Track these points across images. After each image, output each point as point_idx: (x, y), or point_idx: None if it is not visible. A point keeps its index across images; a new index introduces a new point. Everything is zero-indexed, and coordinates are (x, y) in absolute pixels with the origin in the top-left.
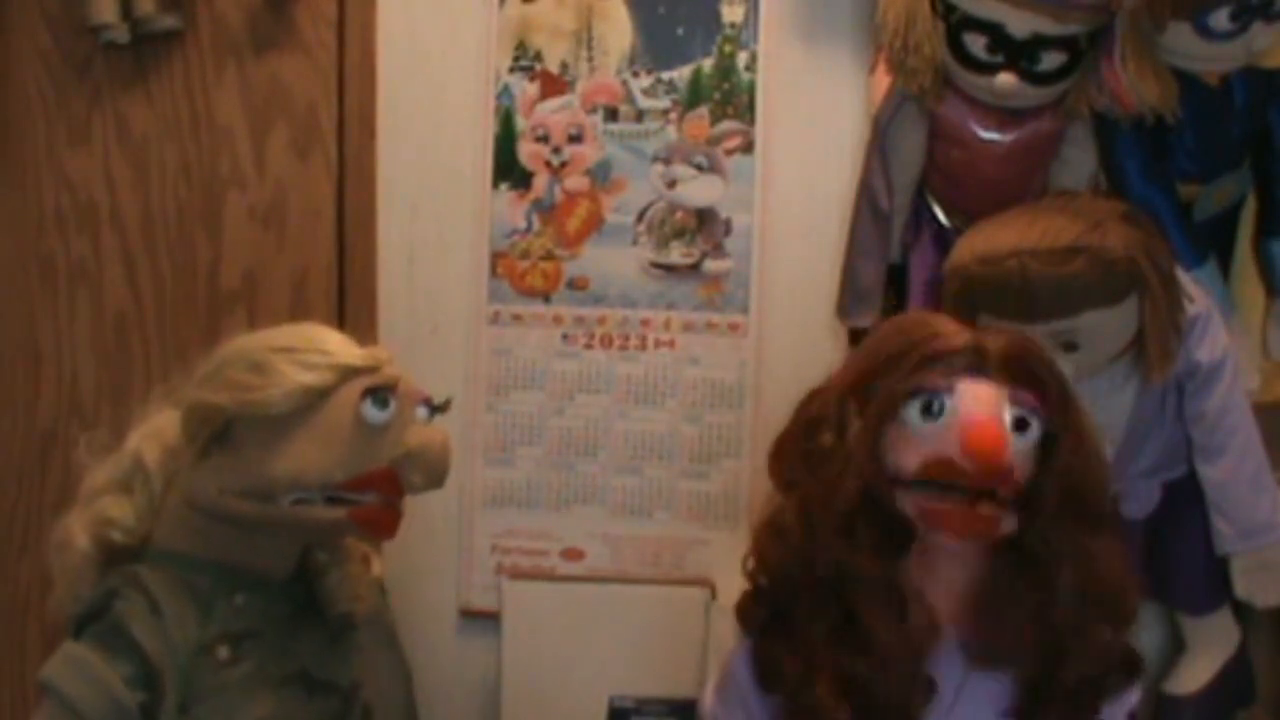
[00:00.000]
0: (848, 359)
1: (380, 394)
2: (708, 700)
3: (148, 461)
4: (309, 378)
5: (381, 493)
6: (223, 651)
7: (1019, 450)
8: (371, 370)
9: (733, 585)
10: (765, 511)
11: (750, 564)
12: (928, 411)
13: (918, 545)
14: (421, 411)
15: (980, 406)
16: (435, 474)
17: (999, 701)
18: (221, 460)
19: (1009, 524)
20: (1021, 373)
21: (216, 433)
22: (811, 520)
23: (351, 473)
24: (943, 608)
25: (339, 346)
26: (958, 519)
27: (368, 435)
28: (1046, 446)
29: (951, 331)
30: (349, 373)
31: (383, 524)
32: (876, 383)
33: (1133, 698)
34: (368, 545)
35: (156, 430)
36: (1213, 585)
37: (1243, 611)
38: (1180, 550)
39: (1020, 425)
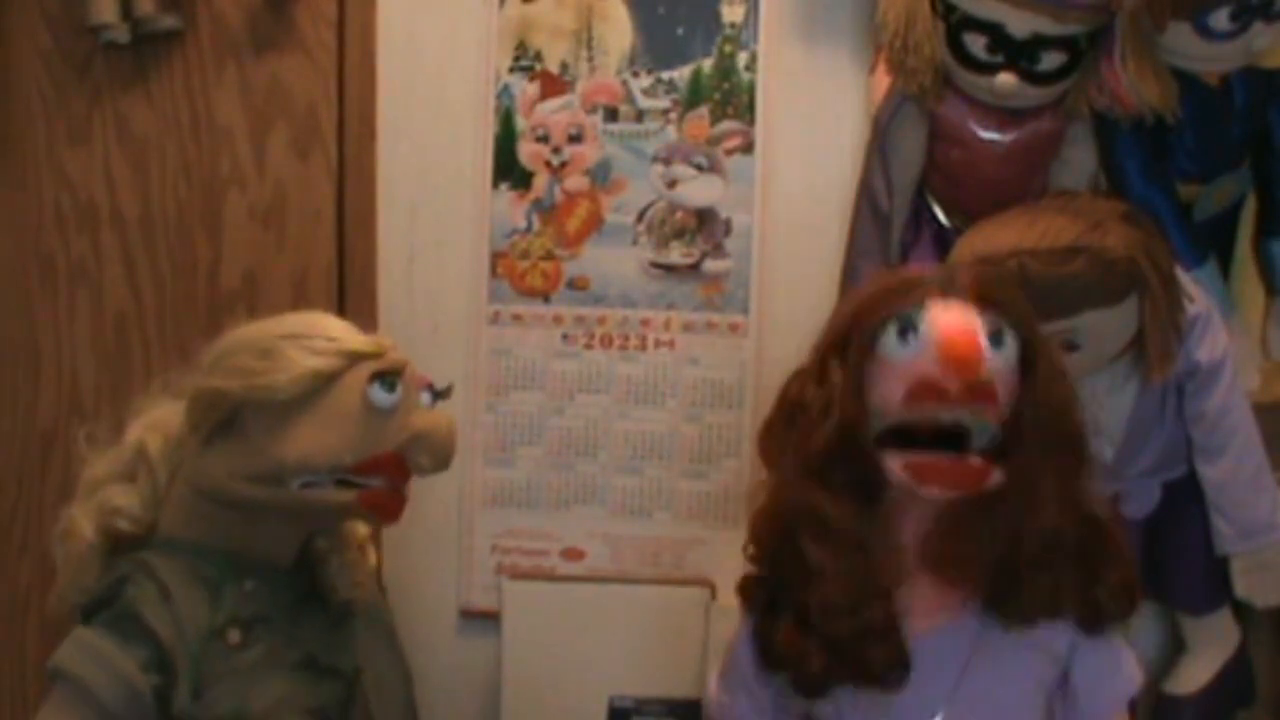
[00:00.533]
0: (823, 328)
1: (388, 378)
2: (712, 687)
3: (150, 451)
4: (316, 362)
5: (389, 476)
6: (234, 635)
7: (997, 366)
8: (377, 355)
9: (733, 585)
10: (759, 495)
11: (750, 549)
12: (903, 335)
13: (893, 497)
14: (425, 397)
15: (954, 318)
16: (442, 456)
17: (1007, 667)
18: (229, 446)
19: (997, 476)
20: (991, 295)
21: (223, 419)
22: (789, 472)
23: (360, 456)
24: (913, 553)
25: (344, 332)
26: (946, 471)
27: (375, 419)
28: (1024, 373)
29: (915, 271)
30: (355, 357)
31: (389, 508)
32: (851, 328)
33: (1130, 666)
34: (365, 534)
35: (158, 421)
36: (1213, 585)
37: (1243, 611)
38: (1180, 550)
39: (996, 339)
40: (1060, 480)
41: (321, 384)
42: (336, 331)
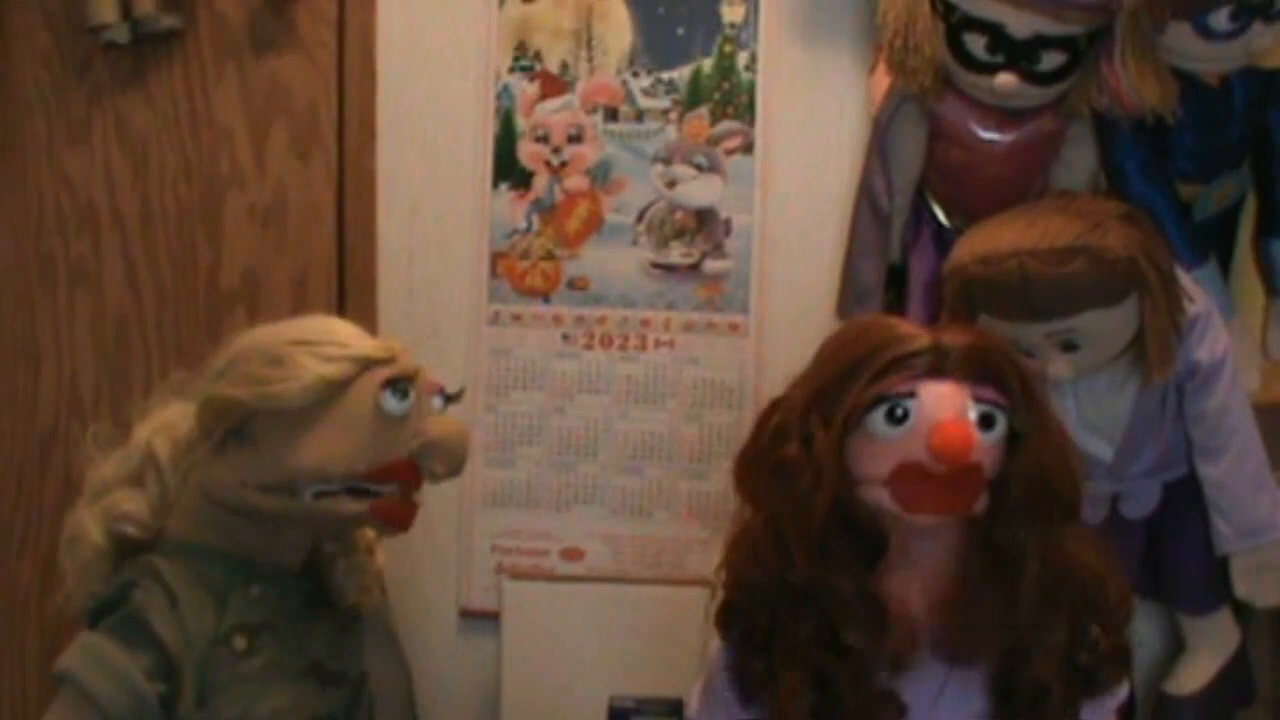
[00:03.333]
0: (807, 368)
1: (400, 385)
2: (693, 702)
3: (159, 455)
4: (328, 370)
5: (402, 483)
6: (240, 642)
7: (986, 446)
8: (388, 361)
9: None
10: (735, 526)
11: (723, 576)
12: (892, 418)
13: (893, 553)
14: (437, 402)
15: (944, 407)
16: (455, 463)
17: (974, 702)
18: (240, 455)
19: (982, 501)
20: (983, 369)
21: (233, 428)
22: (784, 539)
23: (374, 463)
24: (920, 613)
25: (355, 338)
26: (932, 494)
27: (388, 426)
28: (1014, 441)
29: (909, 334)
30: (367, 364)
31: (402, 517)
32: (838, 392)
33: (1119, 694)
34: (371, 537)
35: (166, 424)
36: (1213, 585)
37: (1243, 611)
38: (1180, 550)
39: (986, 422)
40: (1046, 537)
41: (333, 392)
42: (347, 337)
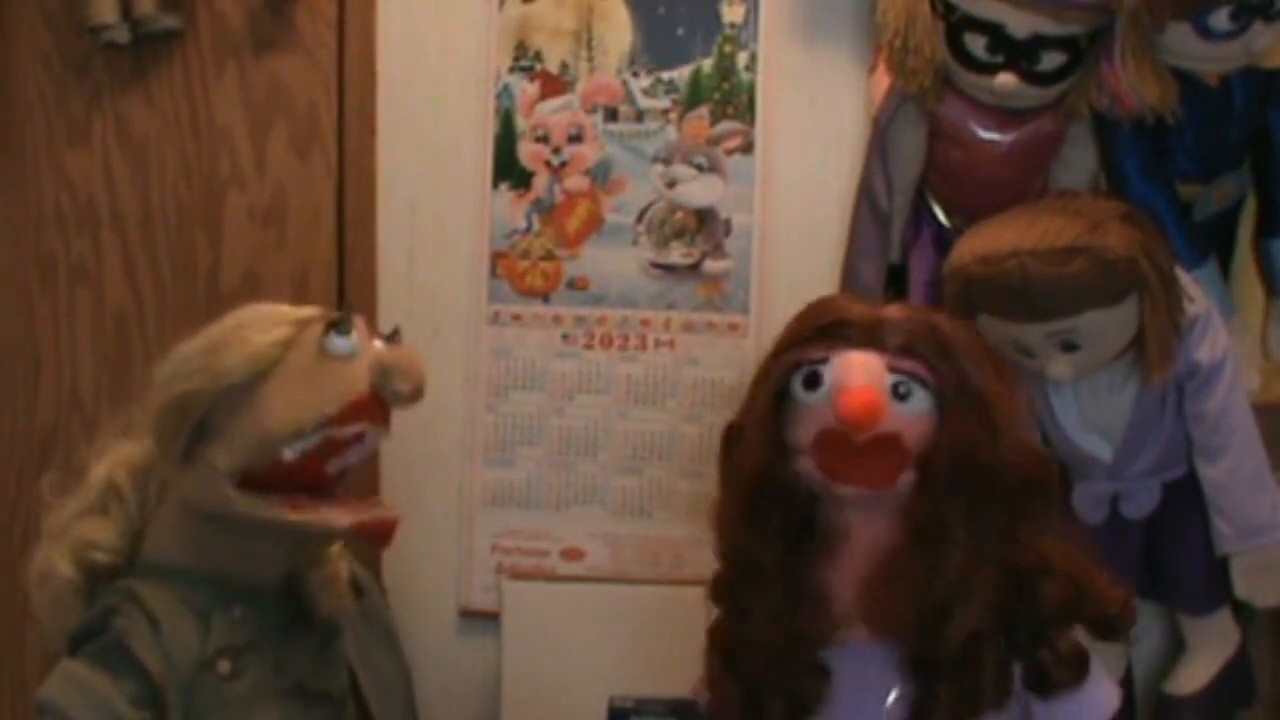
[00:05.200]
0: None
1: (341, 325)
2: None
3: (119, 483)
4: (270, 335)
5: (371, 419)
6: (224, 666)
7: (905, 417)
8: (323, 316)
9: None
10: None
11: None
12: (809, 384)
13: (828, 529)
14: (378, 343)
15: (854, 373)
16: (415, 381)
17: (893, 678)
18: (210, 451)
19: (908, 477)
20: (908, 343)
21: (195, 429)
22: (723, 505)
23: (340, 403)
24: (848, 589)
25: (285, 308)
26: (850, 462)
27: (341, 365)
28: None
29: (844, 307)
30: (303, 322)
31: (383, 531)
32: (772, 361)
33: (1086, 700)
34: (338, 549)
35: (120, 458)
36: (1213, 585)
37: (1243, 611)
38: (1180, 550)
39: (900, 392)
40: (977, 527)
41: (279, 352)
42: (277, 309)
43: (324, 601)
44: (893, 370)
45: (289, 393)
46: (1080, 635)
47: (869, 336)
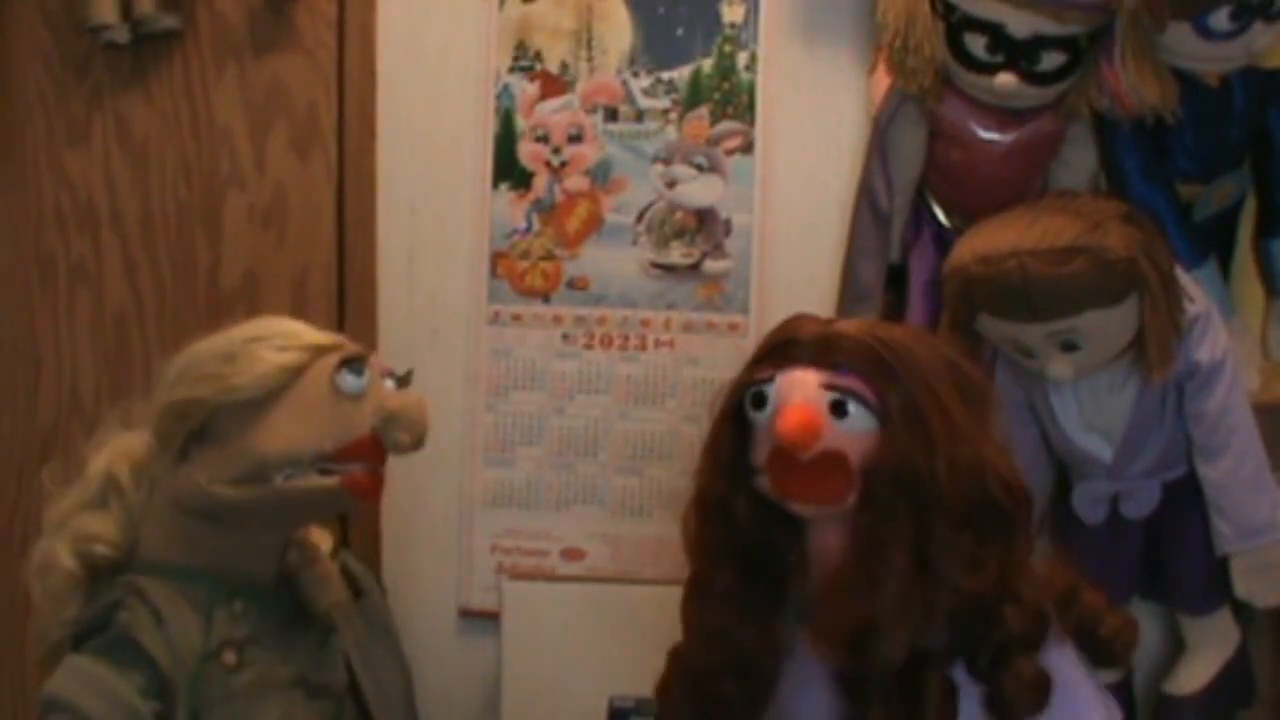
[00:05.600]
0: None
1: (354, 363)
2: None
3: (119, 476)
4: (282, 358)
5: (368, 459)
6: (229, 658)
7: (845, 434)
8: (338, 347)
9: None
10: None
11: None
12: (756, 404)
13: (788, 553)
14: (389, 384)
15: (792, 391)
16: (417, 432)
17: (827, 695)
18: (205, 456)
19: (854, 494)
20: (850, 361)
21: (194, 431)
22: (684, 525)
23: (340, 441)
24: (804, 611)
25: (304, 330)
26: (795, 480)
27: (348, 404)
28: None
29: (797, 325)
30: (319, 350)
31: (370, 489)
32: (732, 387)
33: None
34: (330, 546)
35: (121, 450)
36: (1213, 585)
37: (1243, 611)
38: (1180, 550)
39: (838, 409)
40: (925, 547)
41: (289, 378)
42: (296, 330)
43: (319, 598)
44: (830, 388)
45: (291, 422)
46: (1069, 663)
47: (816, 354)
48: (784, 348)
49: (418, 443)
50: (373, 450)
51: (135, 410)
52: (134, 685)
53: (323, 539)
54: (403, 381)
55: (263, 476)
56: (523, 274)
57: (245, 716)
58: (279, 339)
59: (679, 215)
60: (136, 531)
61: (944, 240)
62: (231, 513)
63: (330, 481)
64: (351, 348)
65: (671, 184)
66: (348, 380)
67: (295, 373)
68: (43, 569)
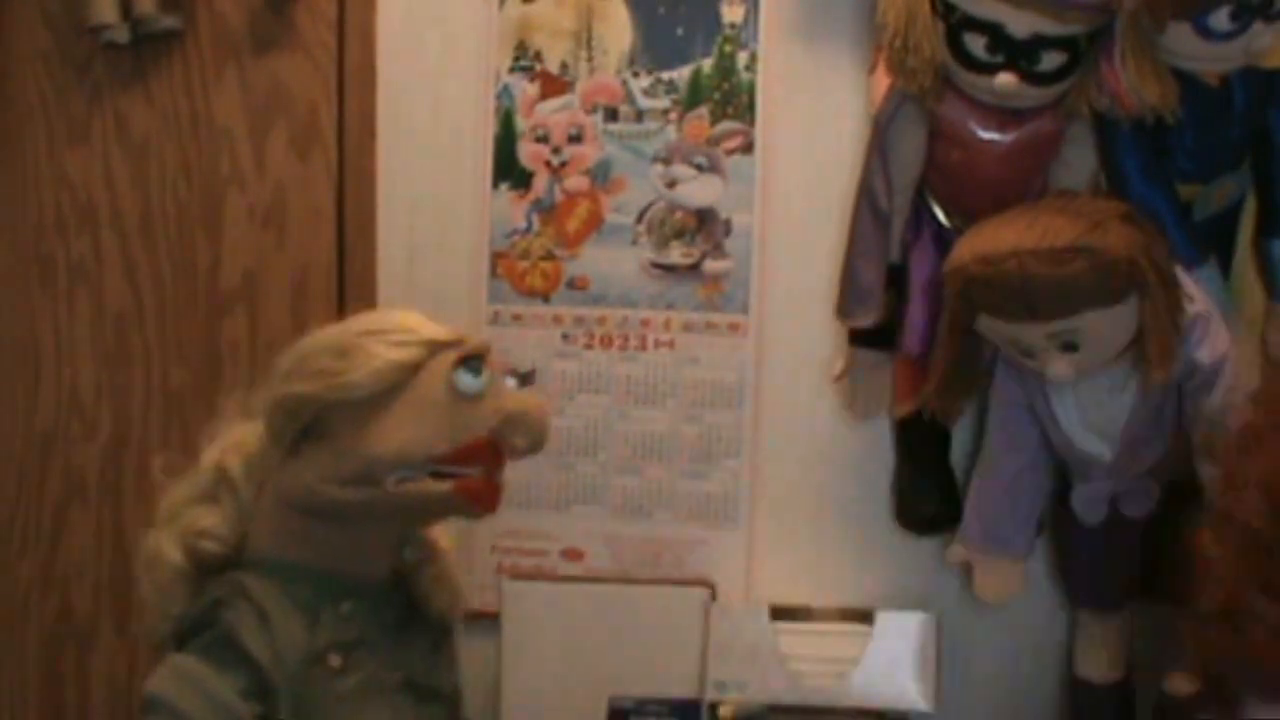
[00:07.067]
0: None
1: (473, 362)
2: None
3: (231, 470)
4: (399, 354)
5: (485, 463)
6: (334, 660)
7: None
8: (457, 343)
9: (733, 585)
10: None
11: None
12: None
13: None
14: (510, 382)
15: None
16: (537, 436)
17: None
18: (316, 453)
19: None
20: None
21: (306, 426)
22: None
23: (455, 444)
24: None
25: (421, 324)
26: None
27: (465, 405)
28: None
29: None
30: (437, 346)
31: (487, 496)
32: None
33: None
34: (449, 547)
35: (235, 443)
36: None
37: None
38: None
39: None
40: None
41: (405, 376)
42: (414, 323)
43: (435, 600)
44: None
45: (405, 422)
46: None
47: None
48: None
49: (536, 447)
50: (490, 454)
51: (250, 398)
52: (234, 687)
53: (443, 536)
54: (525, 380)
55: (373, 478)
56: (523, 274)
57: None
58: (395, 333)
59: (679, 215)
60: (246, 527)
61: (944, 240)
62: (340, 513)
63: (444, 487)
64: (471, 343)
65: (671, 184)
66: (465, 380)
67: (411, 370)
68: (150, 563)
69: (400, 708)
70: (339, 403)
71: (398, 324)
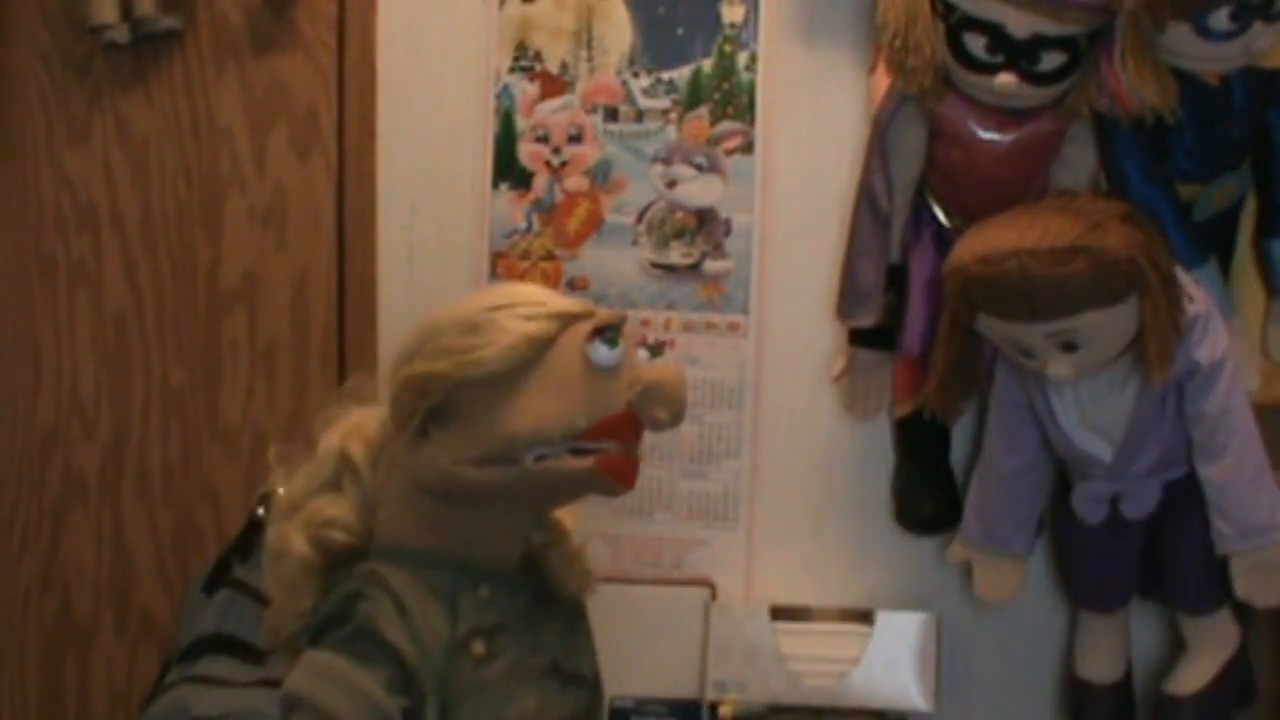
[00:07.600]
0: None
1: (608, 333)
2: None
3: (354, 456)
4: (531, 328)
5: (623, 438)
6: (478, 647)
7: None
8: (590, 314)
9: (733, 585)
10: None
11: None
12: None
13: None
14: (643, 353)
15: None
16: (677, 407)
17: None
18: (446, 434)
19: None
20: None
21: (434, 407)
22: None
23: (594, 418)
24: None
25: (550, 297)
26: None
27: (602, 378)
28: None
29: None
30: (569, 319)
31: (626, 472)
32: None
33: None
34: (574, 528)
35: (354, 427)
36: (1213, 585)
37: (1243, 611)
38: (1180, 550)
39: None
40: None
41: (539, 350)
42: (543, 296)
43: (567, 581)
44: None
45: (541, 398)
46: None
47: None
48: None
49: (677, 418)
50: (629, 428)
51: (363, 384)
52: (379, 680)
53: (568, 516)
54: (657, 350)
55: (511, 457)
56: (523, 274)
57: (499, 709)
58: (525, 307)
59: (679, 215)
60: (373, 515)
61: (944, 240)
62: (477, 495)
63: (585, 464)
64: (605, 314)
65: (671, 184)
66: (601, 351)
67: (544, 344)
68: (276, 556)
69: (547, 693)
70: (470, 381)
71: (526, 297)
